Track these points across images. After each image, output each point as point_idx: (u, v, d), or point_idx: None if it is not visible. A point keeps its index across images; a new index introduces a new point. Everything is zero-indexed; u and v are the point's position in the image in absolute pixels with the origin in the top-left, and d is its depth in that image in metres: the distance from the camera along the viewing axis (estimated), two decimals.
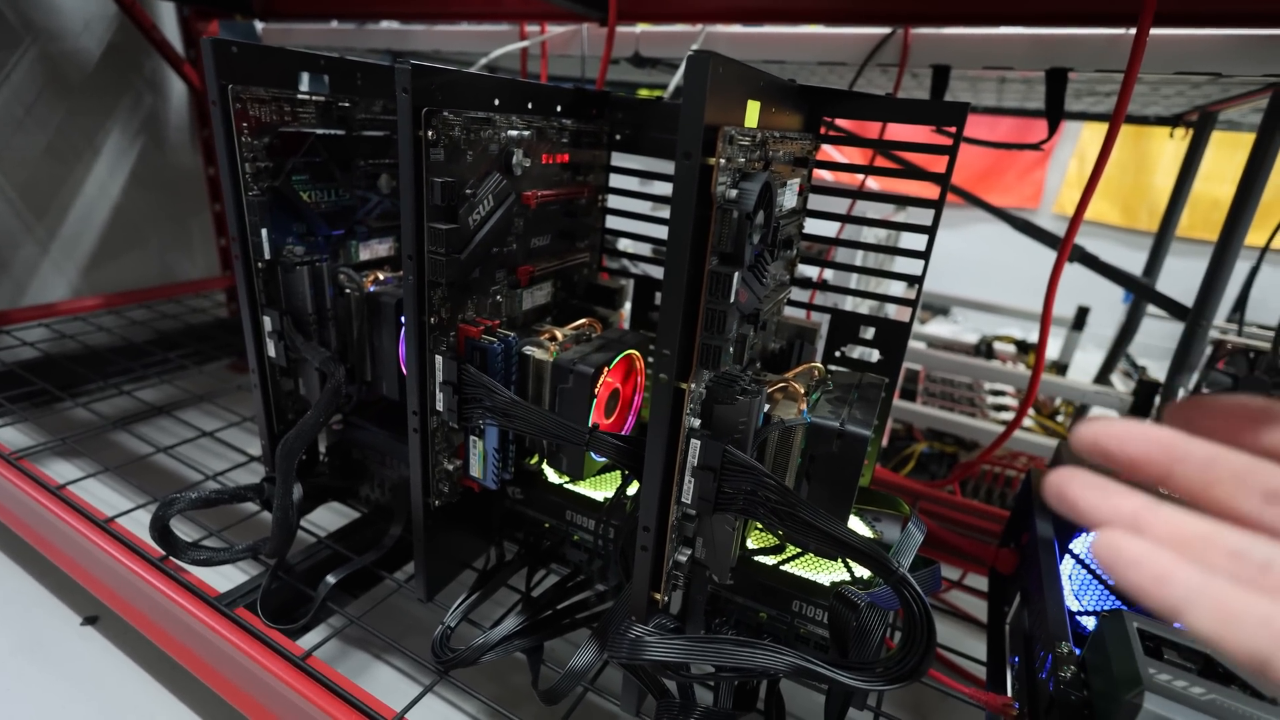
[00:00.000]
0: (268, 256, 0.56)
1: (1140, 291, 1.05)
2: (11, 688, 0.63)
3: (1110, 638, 0.38)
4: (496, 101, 0.50)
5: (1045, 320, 0.68)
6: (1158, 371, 1.30)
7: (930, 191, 0.52)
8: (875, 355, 0.57)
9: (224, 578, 0.65)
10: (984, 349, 1.49)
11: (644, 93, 1.93)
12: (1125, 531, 0.20)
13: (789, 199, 0.48)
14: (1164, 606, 0.19)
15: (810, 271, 0.90)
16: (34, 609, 0.73)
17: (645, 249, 1.24)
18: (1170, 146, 2.55)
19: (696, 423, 0.40)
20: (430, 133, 0.43)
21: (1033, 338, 1.63)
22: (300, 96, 0.56)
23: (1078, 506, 0.22)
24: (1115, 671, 0.35)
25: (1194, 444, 0.21)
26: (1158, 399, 0.93)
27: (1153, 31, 0.60)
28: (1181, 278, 1.26)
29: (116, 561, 0.61)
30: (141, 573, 0.59)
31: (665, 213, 0.71)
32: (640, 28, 0.95)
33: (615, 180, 0.66)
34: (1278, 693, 0.18)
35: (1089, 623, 0.56)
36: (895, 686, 0.35)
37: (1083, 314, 1.52)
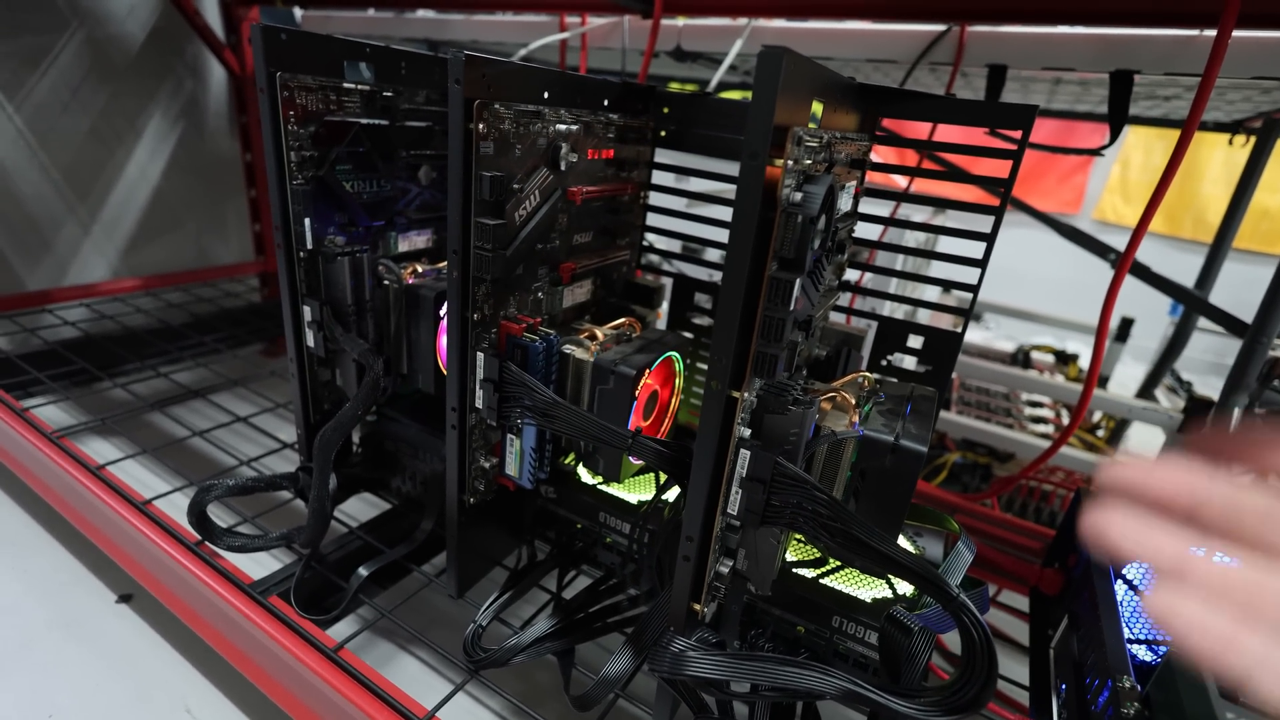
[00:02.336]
0: (309, 246, 0.56)
1: (1194, 305, 1.01)
2: (48, 660, 0.64)
3: (1181, 675, 0.36)
4: (546, 94, 0.48)
5: (1100, 336, 0.65)
6: (1201, 386, 1.26)
7: (976, 194, 0.50)
8: (910, 361, 0.55)
9: (257, 564, 0.65)
10: (1021, 358, 1.45)
11: (675, 87, 1.91)
12: (1174, 584, 0.20)
13: (845, 202, 0.46)
14: (1227, 674, 0.18)
15: (851, 274, 0.88)
16: (71, 585, 0.74)
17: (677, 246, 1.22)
18: (1219, 154, 2.46)
19: (747, 432, 0.39)
20: (481, 125, 0.42)
21: (1070, 346, 1.58)
22: (346, 85, 0.56)
23: (1118, 549, 0.21)
24: (1188, 712, 0.33)
25: (1216, 484, 0.21)
26: (1209, 418, 0.89)
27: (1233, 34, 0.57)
28: (1224, 286, 1.21)
29: (154, 544, 0.61)
30: (178, 556, 0.60)
31: (701, 209, 0.69)
32: (682, 20, 0.93)
33: (658, 177, 0.65)
34: None
35: (1140, 651, 0.53)
36: (954, 718, 0.34)
37: (1127, 325, 1.47)
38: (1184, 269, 1.20)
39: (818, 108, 0.38)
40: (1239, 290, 0.86)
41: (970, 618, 0.33)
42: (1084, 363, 1.47)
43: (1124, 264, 0.63)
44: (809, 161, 0.36)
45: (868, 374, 0.49)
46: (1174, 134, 0.57)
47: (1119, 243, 0.65)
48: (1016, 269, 2.53)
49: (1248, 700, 0.20)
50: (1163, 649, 0.44)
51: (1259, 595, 0.19)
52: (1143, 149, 2.60)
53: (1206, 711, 0.33)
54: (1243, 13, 0.54)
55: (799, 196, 0.34)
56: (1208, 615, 0.19)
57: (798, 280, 0.35)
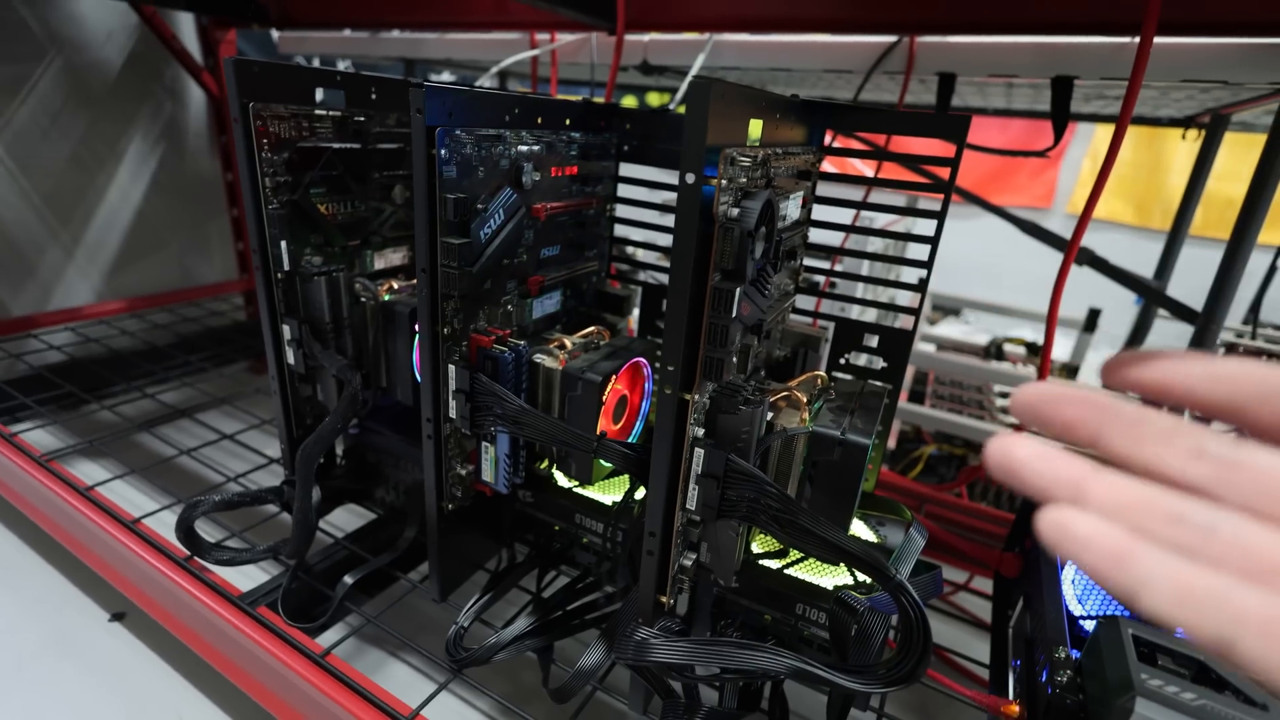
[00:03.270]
0: (287, 267, 0.58)
1: (1148, 295, 1.05)
2: (41, 681, 0.66)
3: (1105, 642, 0.38)
4: (507, 118, 0.51)
5: (1050, 323, 0.68)
6: None
7: (936, 198, 0.52)
8: (880, 362, 0.58)
9: (246, 577, 0.67)
10: (994, 351, 1.49)
11: (653, 96, 1.93)
12: (1069, 504, 0.19)
13: (792, 211, 0.49)
14: (1119, 589, 0.18)
15: (817, 278, 0.91)
16: (63, 605, 0.75)
17: (653, 256, 1.25)
18: (1185, 146, 2.52)
19: (700, 432, 0.42)
20: (443, 151, 0.45)
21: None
22: (318, 112, 0.58)
23: (1020, 475, 0.21)
24: (1109, 676, 0.36)
25: (1124, 405, 0.21)
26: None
27: (1157, 40, 0.60)
28: (1199, 274, 1.24)
29: (144, 561, 0.63)
30: (167, 572, 0.62)
31: (667, 220, 0.72)
32: (649, 36, 0.96)
33: (623, 190, 0.68)
34: (1241, 673, 0.17)
35: (1091, 627, 0.56)
36: (892, 689, 0.36)
37: (1094, 316, 1.52)
38: (1154, 259, 1.24)
39: (756, 126, 0.41)
40: (1209, 278, 0.90)
41: (907, 598, 0.36)
42: (1055, 354, 1.51)
43: (1068, 256, 0.66)
44: (744, 180, 0.38)
45: (822, 373, 0.52)
46: (1140, 130, 0.61)
47: (1092, 237, 0.68)
48: (994, 265, 2.58)
49: (1138, 613, 0.19)
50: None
51: (1151, 509, 0.19)
52: None
53: (1124, 675, 0.35)
54: (1162, 20, 0.57)
55: (736, 211, 0.37)
56: (1098, 530, 0.18)
57: (738, 289, 0.37)
